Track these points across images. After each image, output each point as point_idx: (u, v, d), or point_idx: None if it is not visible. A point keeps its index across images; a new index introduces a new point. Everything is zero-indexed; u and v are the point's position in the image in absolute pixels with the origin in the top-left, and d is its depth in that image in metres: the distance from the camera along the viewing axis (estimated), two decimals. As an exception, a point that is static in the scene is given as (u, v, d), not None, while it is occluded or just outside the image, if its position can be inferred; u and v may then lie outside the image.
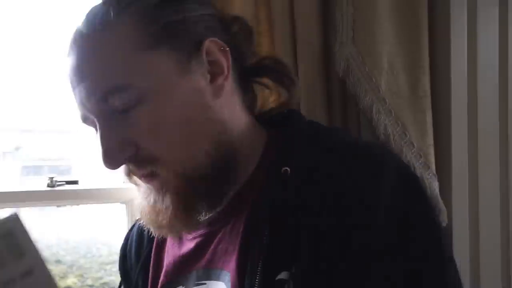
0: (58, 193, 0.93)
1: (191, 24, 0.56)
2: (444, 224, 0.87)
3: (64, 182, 0.94)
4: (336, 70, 0.85)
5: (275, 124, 0.63)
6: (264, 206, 0.54)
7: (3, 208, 0.92)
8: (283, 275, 0.49)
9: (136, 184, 0.58)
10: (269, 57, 0.67)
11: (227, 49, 0.56)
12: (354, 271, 0.49)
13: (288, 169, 0.53)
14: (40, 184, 0.94)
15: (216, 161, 0.56)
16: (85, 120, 0.57)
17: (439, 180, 0.87)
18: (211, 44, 0.55)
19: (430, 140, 0.87)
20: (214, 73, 0.56)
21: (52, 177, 0.92)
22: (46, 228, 1.10)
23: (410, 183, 0.53)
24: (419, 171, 0.83)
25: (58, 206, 0.92)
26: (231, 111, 0.59)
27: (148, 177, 0.55)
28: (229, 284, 0.56)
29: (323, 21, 0.88)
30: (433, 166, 0.86)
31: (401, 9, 0.87)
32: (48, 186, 0.92)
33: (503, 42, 0.97)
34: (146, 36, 0.54)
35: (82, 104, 0.55)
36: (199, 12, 0.58)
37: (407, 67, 0.87)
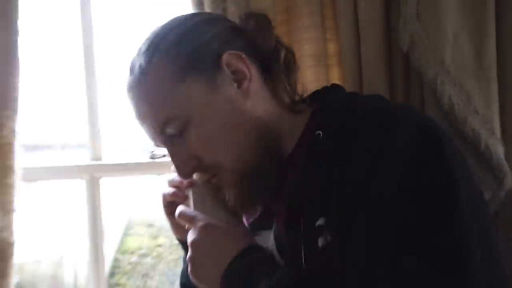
0: (158, 164, 0.96)
1: (206, 47, 0.60)
2: (508, 187, 0.86)
3: (162, 155, 1.04)
4: (399, 46, 0.85)
5: (318, 99, 0.65)
6: (303, 164, 0.58)
7: (114, 176, 1.02)
8: (320, 221, 0.52)
9: None
10: (278, 41, 0.66)
11: (243, 56, 0.59)
12: (371, 214, 0.49)
13: (320, 133, 0.57)
14: (143, 157, 1.00)
15: (261, 154, 0.60)
16: (157, 144, 0.64)
17: (504, 145, 0.85)
18: (228, 57, 0.59)
19: (496, 108, 0.86)
20: (239, 80, 0.60)
21: (153, 151, 1.03)
22: (144, 195, 1.21)
23: (426, 139, 0.51)
24: (483, 137, 0.82)
25: (158, 174, 1.03)
26: (263, 106, 0.62)
27: (214, 177, 0.62)
28: (279, 229, 0.61)
29: (384, 1, 0.87)
30: (498, 133, 0.85)
31: None
32: (150, 158, 1.00)
33: None
34: (174, 72, 0.58)
35: (150, 137, 0.62)
36: (211, 33, 0.61)
37: (472, 38, 0.85)
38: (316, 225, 0.52)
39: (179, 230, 0.70)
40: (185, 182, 0.68)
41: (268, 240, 0.65)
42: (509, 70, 0.89)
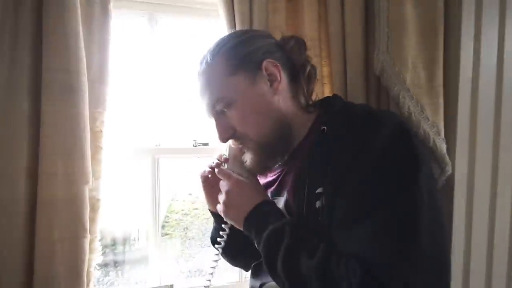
0: (199, 149, 1.00)
1: (253, 54, 0.61)
2: (448, 173, 0.84)
3: (201, 143, 1.00)
4: (374, 70, 0.83)
5: (323, 105, 0.66)
6: (310, 149, 0.58)
7: (169, 155, 1.00)
8: (319, 190, 0.52)
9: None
10: (307, 60, 0.67)
11: (278, 64, 0.61)
12: (357, 188, 0.49)
13: (325, 128, 0.57)
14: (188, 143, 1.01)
15: (278, 134, 0.61)
16: (208, 116, 0.64)
17: (447, 143, 0.84)
18: (267, 63, 0.60)
19: (441, 116, 0.84)
20: (271, 81, 0.61)
21: (195, 140, 1.00)
22: (190, 173, 1.21)
23: (402, 134, 0.51)
24: (431, 136, 0.81)
25: (198, 157, 1.02)
26: (285, 103, 0.63)
27: (241, 145, 0.63)
28: (287, 196, 0.60)
29: (365, 37, 0.86)
30: (443, 134, 0.83)
31: (423, 27, 0.83)
32: (193, 145, 1.00)
33: (501, 47, 0.89)
34: (228, 67, 0.60)
35: (205, 110, 0.63)
36: (258, 45, 0.63)
37: (426, 66, 0.83)
38: (316, 192, 0.53)
39: (210, 201, 0.71)
40: (222, 158, 0.69)
41: (278, 203, 0.64)
42: (452, 89, 0.87)
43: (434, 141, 0.81)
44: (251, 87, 0.60)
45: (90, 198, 0.70)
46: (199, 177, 0.71)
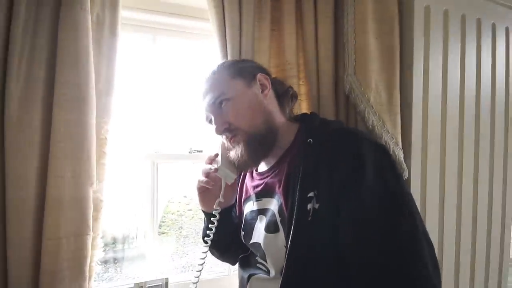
0: (194, 155, 1.01)
1: (250, 68, 0.67)
2: (406, 177, 0.87)
3: (196, 150, 1.01)
4: (344, 90, 0.87)
5: (304, 120, 0.68)
6: (300, 157, 0.59)
7: (167, 160, 0.99)
8: (311, 194, 0.53)
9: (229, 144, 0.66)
10: (290, 86, 0.74)
11: (268, 77, 0.66)
12: (347, 196, 0.50)
13: (311, 140, 0.59)
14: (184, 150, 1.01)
15: (266, 128, 0.63)
16: (207, 119, 0.67)
17: (403, 152, 0.87)
18: (260, 76, 0.66)
19: (399, 129, 0.87)
20: (263, 89, 0.65)
21: (191, 147, 1.01)
22: (185, 177, 1.20)
23: (378, 149, 0.55)
24: (391, 146, 0.84)
25: (193, 163, 1.02)
26: (274, 108, 0.67)
27: (233, 138, 0.64)
28: (280, 198, 0.60)
29: (335, 62, 0.89)
30: (400, 144, 0.87)
31: (383, 55, 0.87)
32: (189, 152, 1.00)
33: (445, 72, 0.95)
34: (230, 74, 0.65)
35: (206, 107, 0.65)
36: (254, 64, 0.71)
37: (386, 87, 0.87)
38: (307, 195, 0.53)
39: (203, 204, 0.72)
40: (213, 155, 0.71)
41: (266, 203, 0.65)
42: (407, 107, 0.90)
43: (393, 150, 0.85)
44: (247, 89, 0.64)
45: (94, 199, 0.68)
46: (197, 183, 0.71)
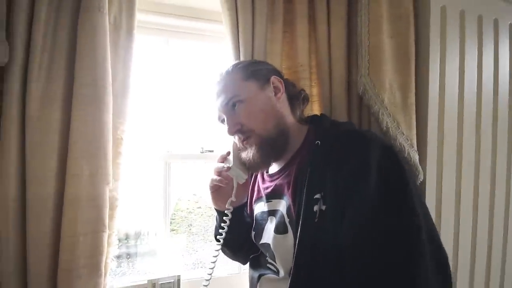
0: (205, 155, 1.00)
1: (264, 71, 0.66)
2: (421, 180, 0.85)
3: (207, 150, 1.01)
4: (357, 91, 0.85)
5: (313, 122, 0.68)
6: (308, 159, 0.58)
7: (179, 160, 1.00)
8: (317, 195, 0.53)
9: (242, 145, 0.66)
10: (302, 89, 0.74)
11: (282, 80, 0.66)
12: (350, 198, 0.50)
13: (319, 142, 0.59)
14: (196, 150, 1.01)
15: (278, 132, 0.63)
16: (219, 118, 0.67)
17: (419, 154, 0.85)
18: (274, 78, 0.65)
19: (414, 131, 0.85)
20: (276, 92, 0.65)
21: (202, 147, 1.01)
22: (195, 176, 1.20)
23: (387, 151, 0.54)
24: (406, 148, 0.82)
25: (205, 162, 1.03)
26: (286, 111, 0.66)
27: (245, 140, 0.64)
28: (288, 200, 0.60)
29: (348, 63, 0.88)
30: (415, 146, 0.85)
31: (398, 55, 0.85)
32: (200, 152, 1.00)
33: (461, 73, 0.92)
34: (243, 75, 0.64)
35: (219, 108, 0.65)
36: (268, 66, 0.70)
37: (400, 87, 0.85)
38: (314, 197, 0.53)
39: (216, 202, 0.72)
40: (225, 153, 0.71)
41: (276, 204, 0.65)
42: (422, 108, 0.88)
43: (408, 152, 0.83)
44: (260, 91, 0.64)
45: (109, 197, 0.69)
46: (209, 181, 0.72)
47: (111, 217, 0.71)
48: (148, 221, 1.13)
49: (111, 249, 0.71)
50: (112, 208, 0.71)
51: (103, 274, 0.68)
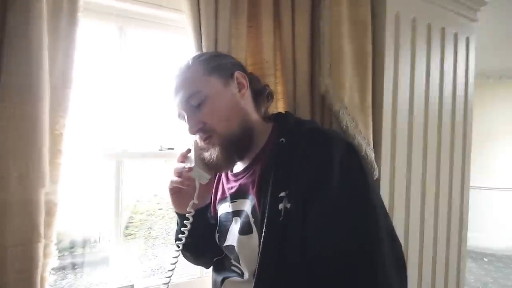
0: (164, 153, 0.95)
1: (228, 65, 0.63)
2: (376, 176, 0.90)
3: (167, 148, 0.95)
4: (319, 90, 0.87)
5: (278, 119, 0.67)
6: (272, 157, 0.58)
7: (135, 159, 0.94)
8: (283, 194, 0.52)
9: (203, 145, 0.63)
10: (266, 85, 0.72)
11: (246, 76, 0.64)
12: (313, 196, 0.50)
13: (283, 140, 0.58)
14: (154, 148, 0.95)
15: (243, 130, 0.61)
16: (179, 115, 0.63)
17: (374, 152, 0.89)
18: (238, 74, 0.62)
19: (370, 130, 0.89)
20: (240, 88, 0.62)
21: (161, 145, 0.94)
22: (155, 175, 1.14)
23: (349, 149, 0.54)
24: (364, 146, 0.85)
25: (165, 161, 0.97)
26: (250, 108, 0.64)
27: (207, 139, 0.61)
28: (253, 199, 0.59)
29: (311, 63, 0.89)
30: (372, 144, 0.89)
31: (357, 58, 0.88)
32: (159, 150, 0.94)
33: (412, 77, 0.99)
34: (205, 70, 0.61)
35: (179, 104, 0.61)
36: (231, 60, 0.67)
37: (359, 90, 0.88)
38: (279, 195, 0.52)
39: (177, 205, 0.68)
40: (185, 152, 0.68)
41: (240, 205, 0.63)
42: (378, 109, 0.92)
43: (365, 150, 0.86)
44: (223, 88, 0.61)
45: (46, 202, 0.61)
46: (169, 183, 0.67)
47: (48, 224, 0.62)
48: (99, 226, 1.03)
49: (48, 261, 0.63)
50: (50, 214, 0.62)
51: (38, 289, 0.59)
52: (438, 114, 1.06)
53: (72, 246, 0.99)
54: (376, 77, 0.92)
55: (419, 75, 1.00)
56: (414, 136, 1.00)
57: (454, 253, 1.13)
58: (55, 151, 0.63)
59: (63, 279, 0.95)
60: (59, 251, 0.67)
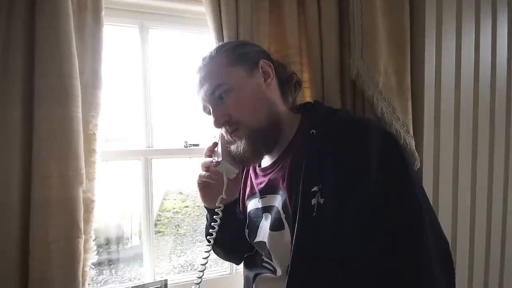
0: (190, 150, 0.98)
1: (252, 54, 0.64)
2: (417, 167, 0.86)
3: (192, 144, 0.98)
4: (350, 75, 0.84)
5: (307, 110, 0.67)
6: (302, 150, 0.57)
7: (160, 158, 0.97)
8: (315, 188, 0.52)
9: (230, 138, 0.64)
10: (294, 73, 0.72)
11: (271, 64, 0.64)
12: (351, 191, 0.50)
13: (314, 131, 0.57)
14: (179, 145, 0.98)
15: (270, 122, 0.61)
16: (204, 109, 0.65)
17: (415, 140, 0.86)
18: (263, 63, 0.63)
19: (410, 116, 0.86)
20: (266, 77, 0.63)
21: (186, 141, 0.97)
22: (180, 173, 1.18)
23: (387, 138, 0.53)
24: (402, 134, 0.82)
25: (190, 157, 1.01)
26: (275, 98, 0.64)
27: (234, 132, 0.62)
28: (284, 194, 0.59)
29: (340, 46, 0.86)
30: (411, 132, 0.85)
31: (392, 36, 0.85)
32: (184, 146, 0.97)
33: (458, 54, 0.93)
34: (230, 60, 0.61)
35: (204, 97, 0.62)
36: (255, 48, 0.67)
37: (396, 71, 0.85)
38: (311, 190, 0.52)
39: (205, 200, 0.70)
40: (211, 146, 0.69)
41: (270, 200, 0.64)
42: (418, 92, 0.89)
43: (404, 138, 0.83)
44: (248, 78, 0.61)
45: (84, 199, 0.67)
46: (197, 178, 0.69)
47: (86, 221, 0.68)
48: (131, 223, 1.11)
49: (88, 256, 0.69)
50: (88, 211, 0.69)
51: (80, 283, 0.66)
52: (490, 96, 0.98)
53: (107, 243, 1.08)
54: (416, 56, 0.88)
55: (466, 52, 0.94)
56: (462, 122, 0.94)
57: (510, 253, 1.05)
58: (89, 150, 0.69)
59: (99, 275, 1.04)
60: (96, 248, 0.73)
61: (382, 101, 0.82)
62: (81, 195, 0.65)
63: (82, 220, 0.66)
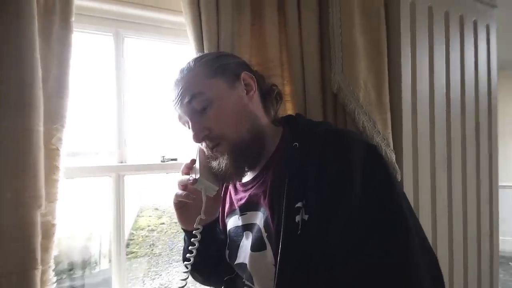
0: (167, 165, 0.93)
1: (233, 65, 0.62)
2: (399, 180, 0.87)
3: (169, 159, 0.94)
4: (331, 89, 0.84)
5: (288, 122, 0.65)
6: (285, 163, 0.55)
7: (134, 174, 0.91)
8: (299, 204, 0.50)
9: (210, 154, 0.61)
10: (274, 85, 0.70)
11: (253, 76, 0.62)
12: (335, 206, 0.47)
13: (297, 144, 0.55)
14: (156, 159, 0.93)
15: (253, 136, 0.59)
16: (180, 119, 0.61)
17: (395, 153, 0.87)
18: (245, 75, 0.61)
19: (390, 129, 0.87)
20: (248, 90, 0.61)
21: (163, 156, 0.93)
22: (156, 188, 1.11)
23: (371, 150, 0.52)
24: (383, 147, 0.83)
25: (167, 173, 0.95)
26: (259, 111, 0.62)
27: (215, 147, 0.59)
28: (266, 211, 0.57)
29: (321, 59, 0.87)
30: (391, 145, 0.86)
31: (371, 52, 0.86)
32: (161, 161, 0.93)
33: (431, 69, 0.97)
34: (210, 72, 0.59)
35: (181, 110, 0.59)
36: (236, 59, 0.65)
37: (375, 86, 0.86)
38: (295, 206, 0.49)
39: (183, 221, 0.65)
40: (189, 162, 0.65)
41: (251, 217, 0.61)
42: (397, 106, 0.90)
43: (385, 151, 0.84)
44: (229, 90, 0.59)
45: (43, 224, 0.59)
46: (174, 198, 0.64)
47: (45, 248, 0.60)
48: (99, 245, 1.01)
49: (46, 289, 0.60)
50: (47, 236, 0.60)
51: (36, 322, 0.57)
52: (460, 108, 1.04)
53: (71, 268, 0.97)
54: (393, 71, 0.90)
55: (438, 68, 0.98)
56: (437, 133, 0.97)
57: (486, 258, 1.09)
58: (51, 167, 0.61)
59: (62, 305, 0.93)
60: (57, 275, 0.64)
61: (363, 115, 0.83)
62: (39, 219, 0.57)
63: (40, 248, 0.57)
